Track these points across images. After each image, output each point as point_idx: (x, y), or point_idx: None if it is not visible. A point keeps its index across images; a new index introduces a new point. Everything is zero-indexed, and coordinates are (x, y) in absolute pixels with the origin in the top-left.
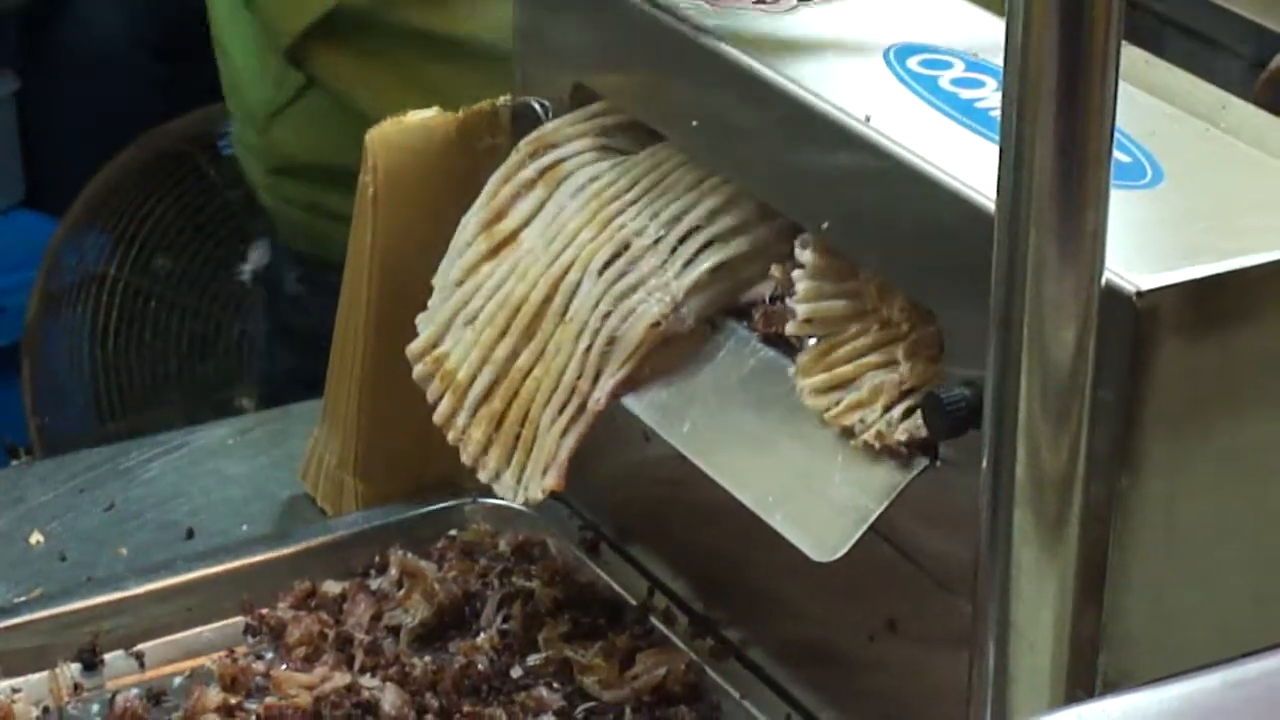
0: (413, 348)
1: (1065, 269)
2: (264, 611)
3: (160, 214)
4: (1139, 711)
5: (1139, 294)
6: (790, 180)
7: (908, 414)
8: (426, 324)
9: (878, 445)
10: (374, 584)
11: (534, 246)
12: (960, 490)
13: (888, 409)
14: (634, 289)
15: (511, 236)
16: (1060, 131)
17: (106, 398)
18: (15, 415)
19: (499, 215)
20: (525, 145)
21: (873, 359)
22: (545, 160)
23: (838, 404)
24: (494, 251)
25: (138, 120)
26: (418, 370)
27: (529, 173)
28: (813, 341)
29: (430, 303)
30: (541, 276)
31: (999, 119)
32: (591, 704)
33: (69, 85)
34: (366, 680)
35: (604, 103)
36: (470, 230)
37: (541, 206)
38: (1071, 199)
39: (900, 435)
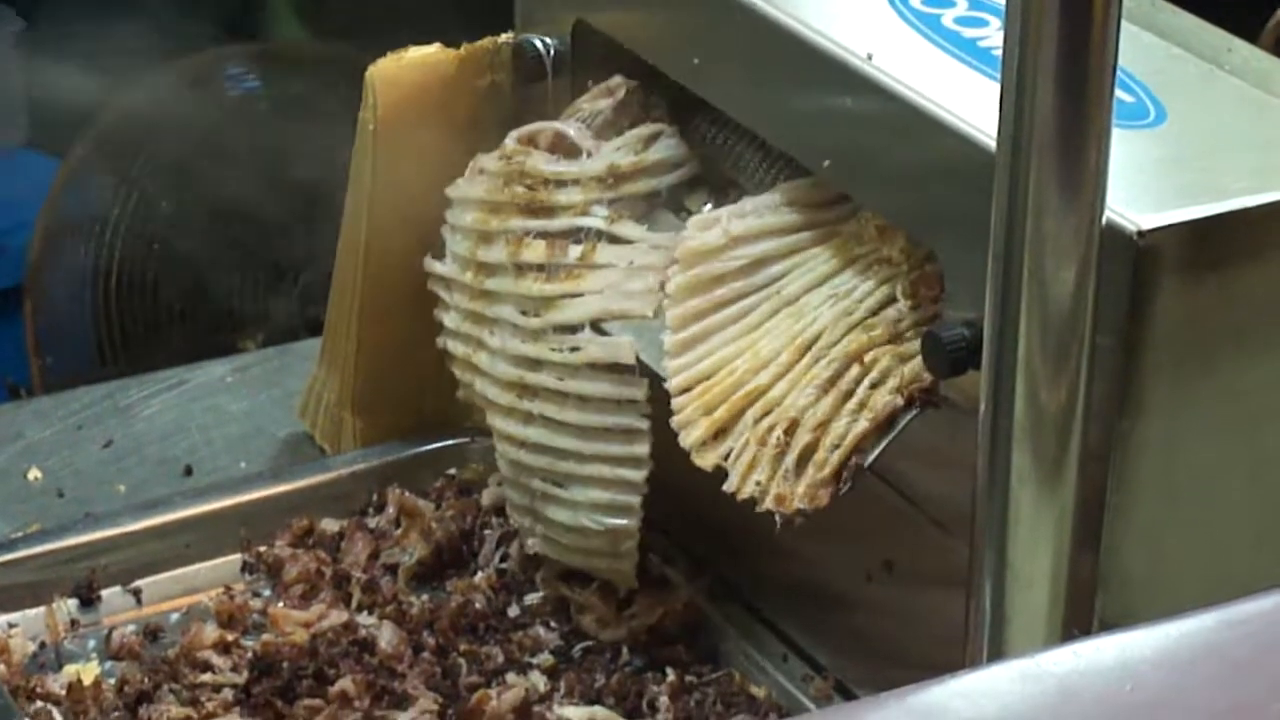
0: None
1: (1066, 208)
2: (261, 549)
3: (164, 155)
4: (1135, 649)
5: (1140, 233)
6: (791, 118)
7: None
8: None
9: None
10: (372, 522)
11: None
12: (959, 431)
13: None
14: None
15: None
16: (1062, 69)
17: (108, 339)
18: (17, 355)
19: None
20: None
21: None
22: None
23: None
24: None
25: (142, 61)
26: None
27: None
28: None
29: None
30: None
31: (1001, 57)
32: (588, 643)
33: (73, 26)
34: (364, 618)
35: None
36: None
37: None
38: (1073, 137)
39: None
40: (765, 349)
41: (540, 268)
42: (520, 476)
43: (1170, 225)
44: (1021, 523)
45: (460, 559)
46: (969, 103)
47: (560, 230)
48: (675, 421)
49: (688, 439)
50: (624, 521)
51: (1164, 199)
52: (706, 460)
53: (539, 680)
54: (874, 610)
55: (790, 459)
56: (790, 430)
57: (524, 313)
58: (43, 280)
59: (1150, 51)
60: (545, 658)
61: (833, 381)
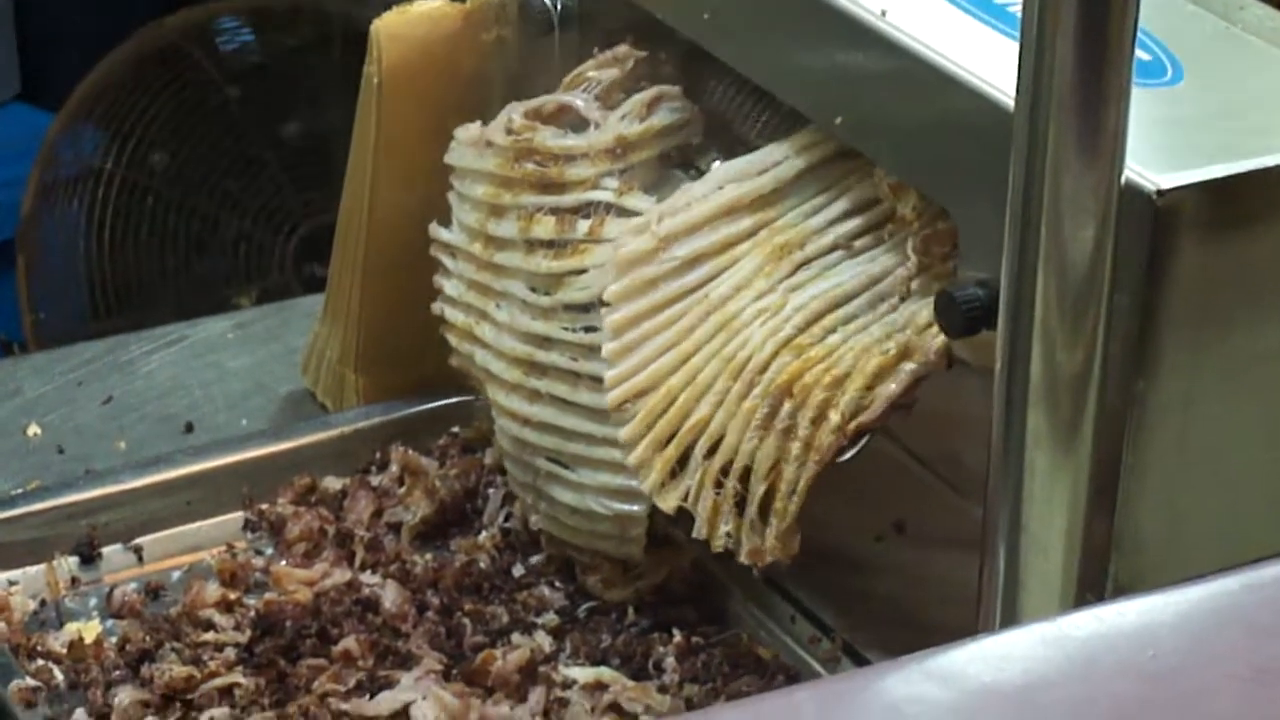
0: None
1: (1085, 167)
2: (264, 507)
3: (157, 109)
4: (1156, 613)
5: (1159, 192)
6: (804, 74)
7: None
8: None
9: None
10: (375, 481)
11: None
12: (972, 391)
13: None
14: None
15: None
16: (1082, 27)
17: (102, 294)
18: (10, 310)
19: None
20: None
21: None
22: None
23: None
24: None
25: (136, 14)
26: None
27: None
28: None
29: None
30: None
31: (1019, 15)
32: (593, 603)
33: None
34: (367, 577)
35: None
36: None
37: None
38: (1092, 96)
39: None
40: (702, 373)
41: (550, 244)
42: (524, 454)
43: (1189, 184)
44: (1036, 485)
45: (464, 518)
46: (985, 60)
47: (571, 206)
48: (630, 461)
49: (646, 482)
50: (633, 508)
51: (1182, 158)
52: (668, 503)
53: (544, 640)
54: (883, 572)
55: (752, 510)
56: (744, 478)
57: (534, 289)
58: (36, 235)
59: (1167, 9)
60: (550, 618)
61: (771, 418)
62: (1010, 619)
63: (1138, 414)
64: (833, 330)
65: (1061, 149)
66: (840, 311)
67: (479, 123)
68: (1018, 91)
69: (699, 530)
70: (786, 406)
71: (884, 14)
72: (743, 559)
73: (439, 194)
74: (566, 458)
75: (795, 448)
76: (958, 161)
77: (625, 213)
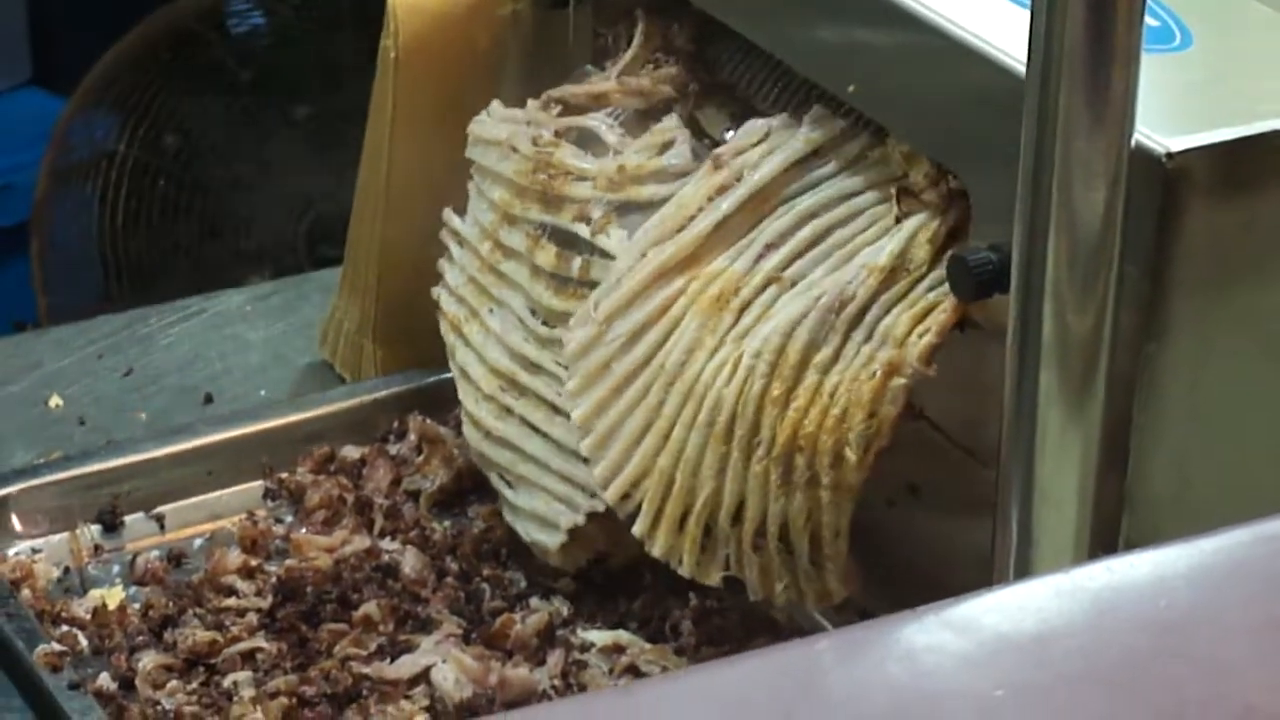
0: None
1: (1095, 131)
2: (283, 475)
3: (169, 92)
4: (1169, 565)
5: (1169, 155)
6: (815, 43)
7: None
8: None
9: None
10: (393, 449)
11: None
12: (984, 354)
13: None
14: None
15: None
16: None
17: (115, 276)
18: (25, 294)
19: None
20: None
21: None
22: None
23: None
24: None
25: None
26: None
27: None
28: None
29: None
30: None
31: None
32: (610, 567)
33: None
34: (386, 544)
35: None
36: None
37: None
38: (1102, 60)
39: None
40: (687, 446)
41: (552, 275)
42: (479, 460)
43: (1199, 147)
44: (1049, 444)
45: (481, 485)
46: (995, 27)
47: (565, 232)
48: (657, 554)
49: (684, 568)
50: (544, 539)
51: (1192, 121)
52: (712, 578)
53: (561, 604)
54: (896, 535)
55: (804, 562)
56: (784, 536)
57: (533, 312)
58: (49, 218)
59: None
60: (567, 582)
61: (788, 475)
62: (1024, 576)
63: (1148, 374)
64: (804, 367)
65: (1072, 114)
66: (799, 343)
67: (509, 107)
68: (1029, 57)
69: (754, 593)
70: (800, 461)
71: None
72: (811, 606)
73: (457, 168)
74: (512, 477)
75: (825, 495)
76: (970, 128)
77: (607, 255)
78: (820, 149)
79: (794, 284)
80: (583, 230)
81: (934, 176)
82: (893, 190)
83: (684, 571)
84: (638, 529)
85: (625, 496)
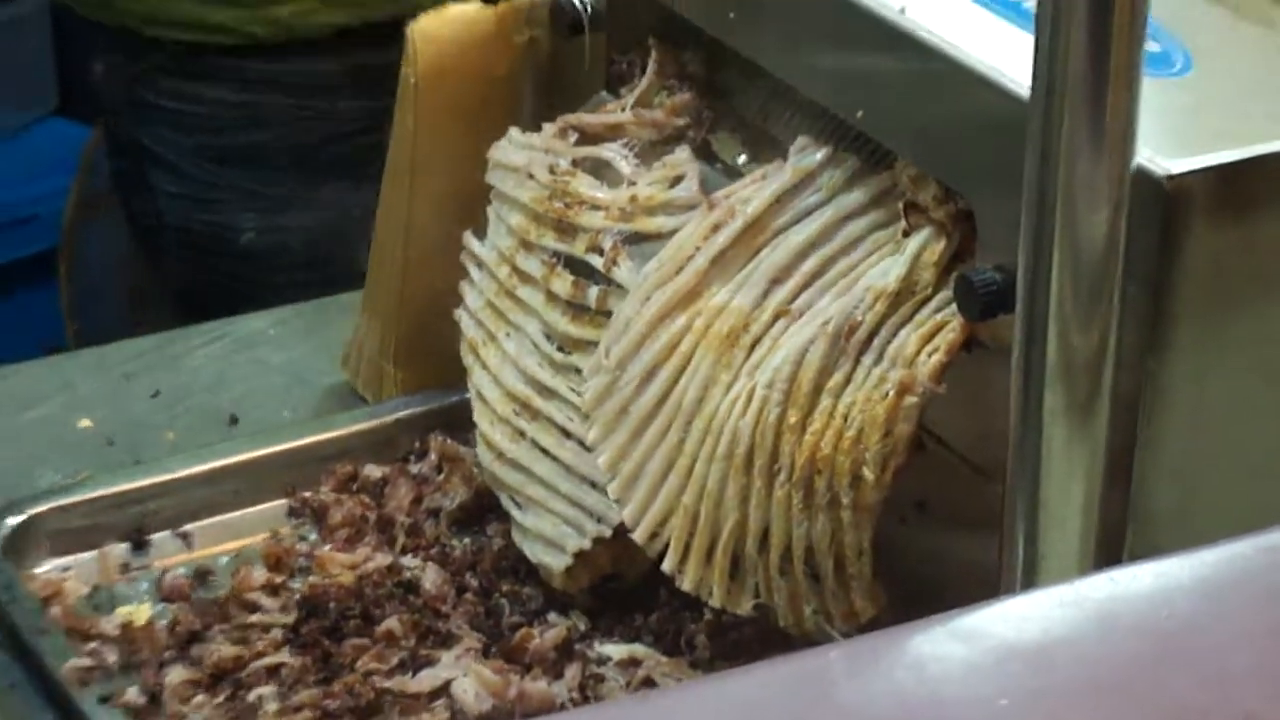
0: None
1: (1097, 153)
2: (307, 494)
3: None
4: (1172, 576)
5: (1170, 177)
6: (825, 69)
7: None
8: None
9: None
10: (414, 468)
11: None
12: (991, 373)
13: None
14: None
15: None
16: (1093, 18)
17: (142, 302)
18: (53, 319)
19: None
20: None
21: None
22: None
23: None
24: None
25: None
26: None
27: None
28: None
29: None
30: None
31: (1033, 9)
32: (626, 583)
33: None
34: (408, 560)
35: None
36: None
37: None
38: (1104, 84)
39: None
40: (710, 481)
41: (568, 303)
42: (491, 482)
43: (1199, 169)
44: (1054, 460)
45: (500, 503)
46: (1002, 53)
47: (579, 262)
48: (687, 588)
49: (715, 599)
50: (550, 561)
51: (1193, 144)
52: (743, 607)
53: (579, 619)
54: (906, 551)
55: (830, 583)
56: (810, 558)
57: (549, 337)
58: (76, 245)
59: (1177, 1)
60: (584, 597)
61: (809, 498)
62: (1030, 589)
63: (1151, 392)
64: (817, 393)
65: (1075, 137)
66: (810, 370)
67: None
68: (1033, 82)
69: (784, 620)
70: (819, 484)
71: (904, 10)
72: (838, 628)
73: (476, 192)
74: (522, 499)
75: (846, 515)
76: (975, 151)
77: (623, 287)
78: (808, 177)
79: (802, 315)
80: (595, 260)
81: (941, 198)
82: (900, 206)
83: (714, 603)
84: (667, 565)
85: (654, 535)
